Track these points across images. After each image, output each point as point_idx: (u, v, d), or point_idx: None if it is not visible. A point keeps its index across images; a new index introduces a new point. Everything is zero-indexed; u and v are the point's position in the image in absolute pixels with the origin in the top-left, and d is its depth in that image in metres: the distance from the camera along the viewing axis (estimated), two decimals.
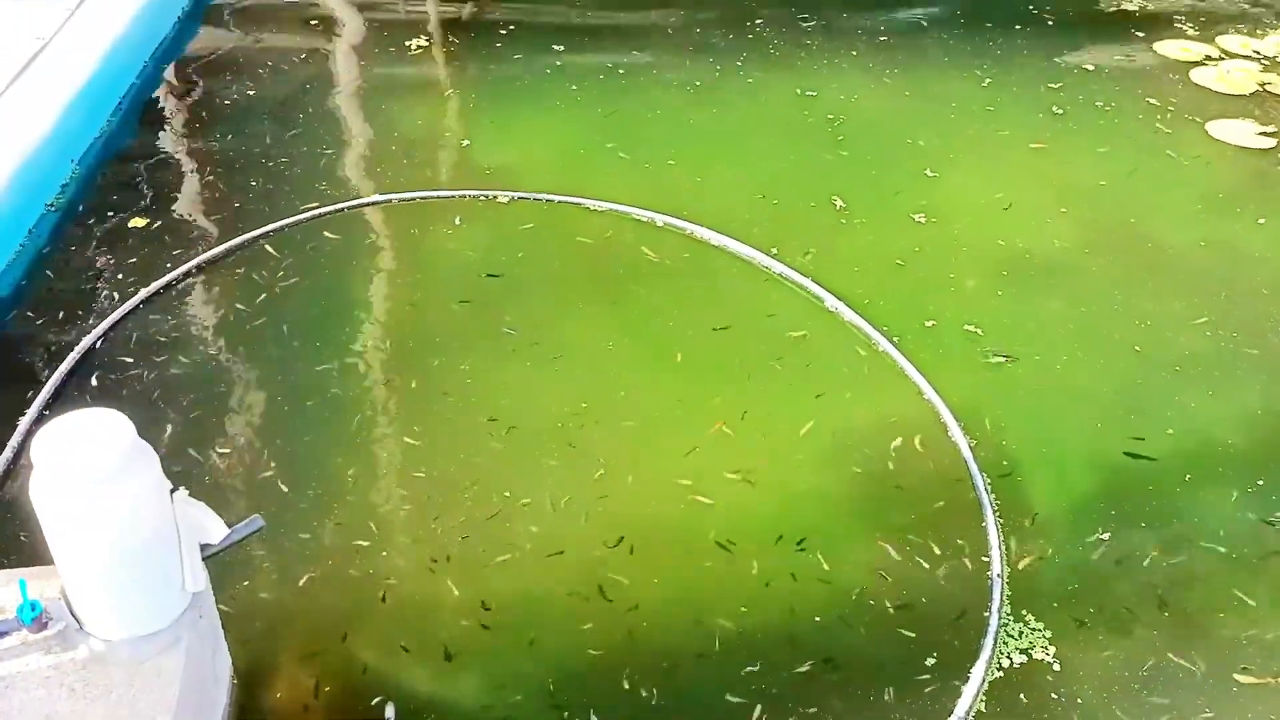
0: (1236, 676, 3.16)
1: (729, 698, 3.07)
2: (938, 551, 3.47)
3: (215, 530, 2.53)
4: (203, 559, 2.57)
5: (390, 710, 2.95)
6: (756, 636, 3.22)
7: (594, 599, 3.29)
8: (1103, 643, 3.23)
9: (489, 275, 4.44)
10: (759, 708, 3.04)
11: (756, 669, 3.14)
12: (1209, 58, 6.14)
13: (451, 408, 3.87)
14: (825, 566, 3.41)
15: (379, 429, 3.79)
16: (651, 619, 3.25)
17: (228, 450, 3.68)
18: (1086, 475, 3.73)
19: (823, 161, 5.27)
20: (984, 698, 3.08)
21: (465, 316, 4.26)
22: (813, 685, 3.12)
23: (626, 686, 3.08)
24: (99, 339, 4.04)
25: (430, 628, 3.20)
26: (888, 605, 3.31)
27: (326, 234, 4.65)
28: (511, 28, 6.31)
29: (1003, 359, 4.15)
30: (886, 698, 3.08)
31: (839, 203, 4.92)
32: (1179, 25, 6.53)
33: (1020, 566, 3.42)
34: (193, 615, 2.56)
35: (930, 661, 3.17)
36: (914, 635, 3.24)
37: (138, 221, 4.66)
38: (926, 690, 3.10)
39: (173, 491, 2.45)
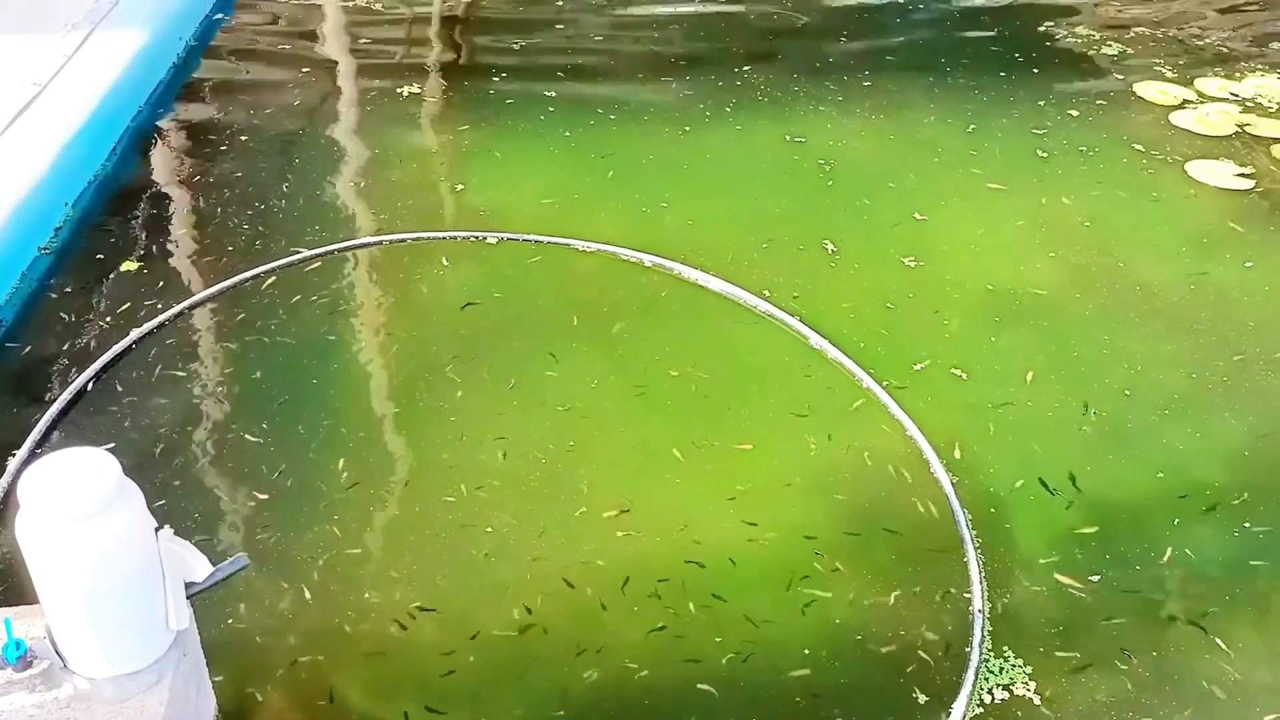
0: None
1: None
2: (919, 587, 3.48)
3: (199, 568, 2.54)
4: (187, 597, 2.57)
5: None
6: (736, 672, 3.22)
7: (576, 641, 3.30)
8: (1085, 682, 3.24)
9: (467, 306, 4.49)
10: None
11: (736, 703, 3.14)
12: (1187, 101, 6.24)
13: (434, 448, 3.89)
14: (806, 603, 3.42)
15: (365, 469, 3.81)
16: (634, 656, 3.25)
17: (216, 489, 3.70)
18: (1071, 516, 3.75)
19: (813, 205, 5.34)
20: None
21: (450, 356, 4.28)
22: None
23: None
24: (90, 381, 4.07)
25: (413, 669, 3.20)
26: (869, 640, 3.32)
27: (316, 276, 4.69)
28: (505, 74, 6.41)
29: (990, 403, 4.18)
30: None
31: (830, 246, 4.98)
32: (1158, 69, 6.63)
33: (1001, 603, 3.43)
34: (176, 653, 2.56)
35: (910, 697, 3.18)
36: (894, 670, 3.25)
37: (130, 265, 4.70)
38: None
39: (157, 530, 2.46)
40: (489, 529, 3.60)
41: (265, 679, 3.15)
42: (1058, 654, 3.30)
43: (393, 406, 4.09)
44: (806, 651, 3.29)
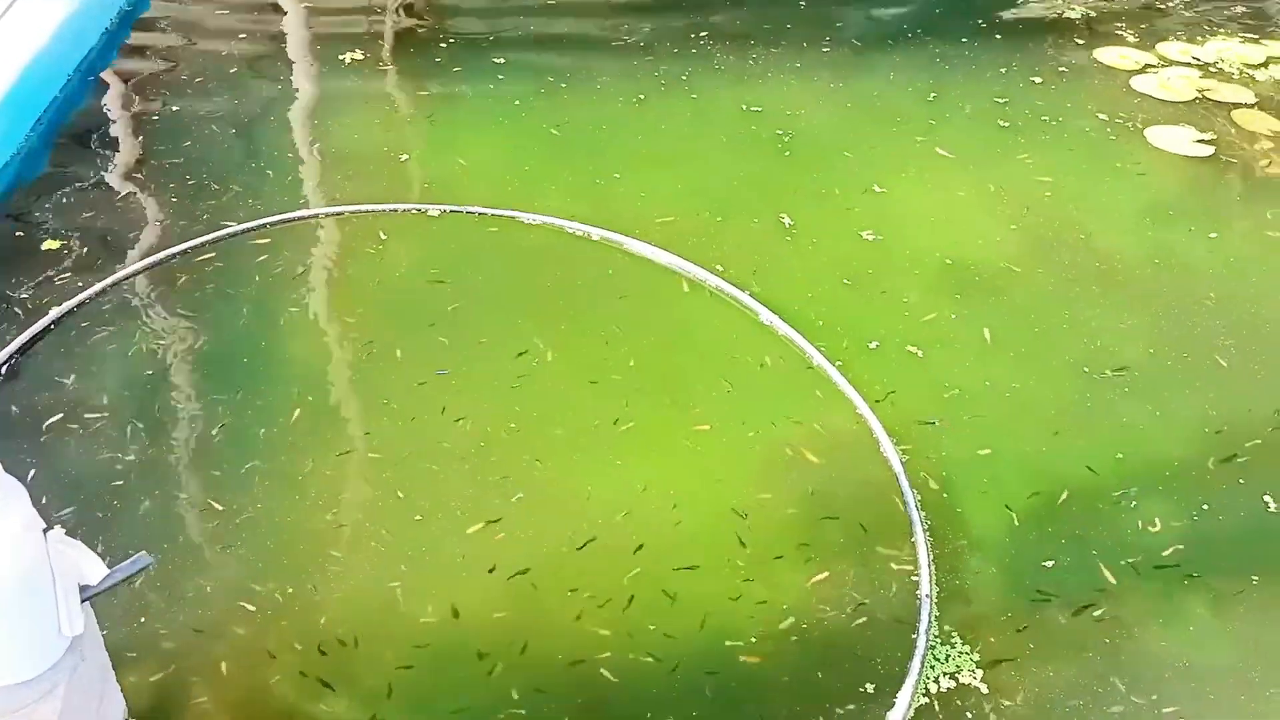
0: (1165, 710, 3.08)
1: None
2: (865, 571, 3.38)
3: (94, 570, 2.40)
4: (84, 600, 2.42)
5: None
6: (679, 662, 3.12)
7: (518, 629, 3.19)
8: (1034, 670, 3.15)
9: (404, 282, 4.32)
10: None
11: (677, 694, 3.05)
12: (1149, 65, 6.11)
13: (368, 430, 3.76)
14: (749, 587, 3.31)
15: (295, 451, 3.66)
16: (574, 641, 3.15)
17: (132, 475, 3.54)
18: (1025, 497, 3.65)
19: (770, 177, 5.18)
20: None
21: (385, 335, 4.13)
22: (731, 710, 3.02)
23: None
24: (5, 364, 3.88)
25: (342, 660, 3.08)
26: (812, 627, 3.22)
27: (247, 251, 4.51)
28: (452, 40, 6.20)
29: (945, 381, 4.06)
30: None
31: (786, 219, 4.83)
32: (1120, 33, 6.49)
33: (950, 588, 3.33)
34: (72, 660, 2.42)
35: (854, 686, 3.08)
36: (837, 658, 3.15)
37: (51, 244, 4.50)
38: (849, 715, 3.00)
39: (46, 530, 2.31)
40: (418, 517, 3.47)
41: (184, 680, 3.01)
42: (1007, 640, 3.21)
43: (327, 387, 3.93)
44: (753, 639, 3.19)
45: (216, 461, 3.61)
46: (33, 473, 3.50)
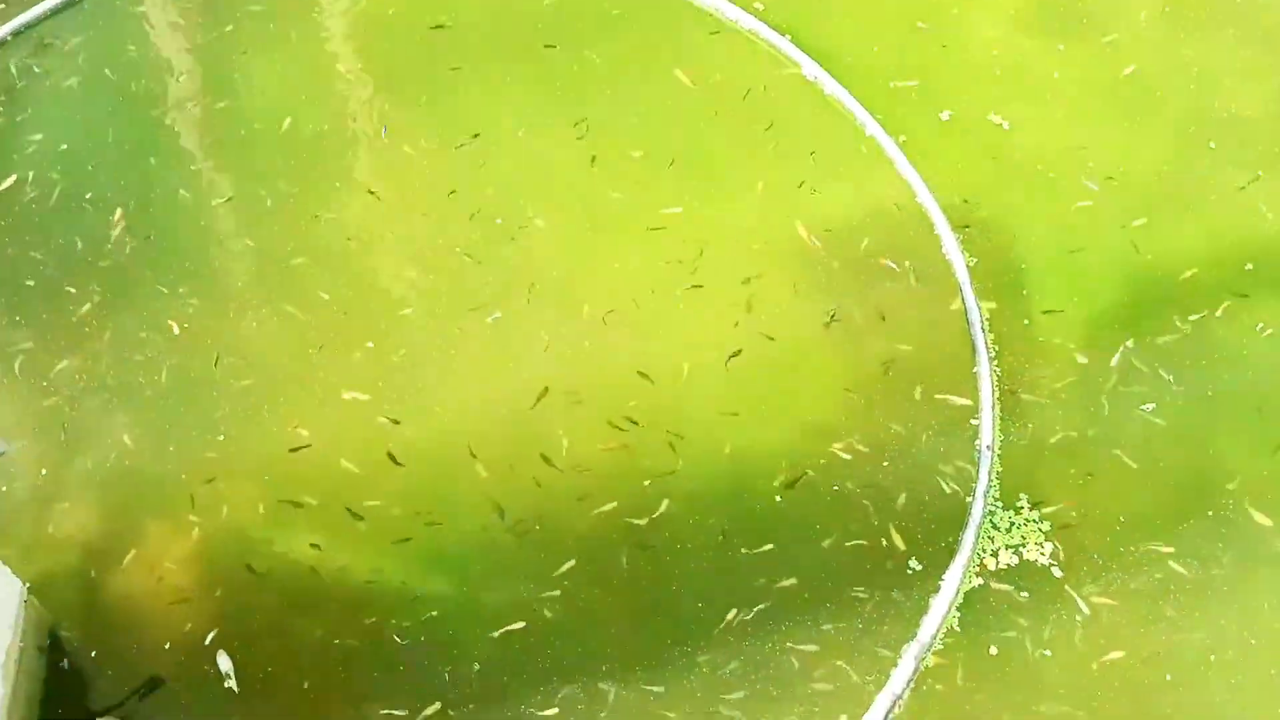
0: None
1: None
2: (916, 407, 2.80)
3: None
4: None
5: (225, 662, 2.44)
6: (684, 523, 2.68)
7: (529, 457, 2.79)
8: (1123, 541, 2.60)
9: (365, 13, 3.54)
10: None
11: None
12: None
13: (333, 204, 3.19)
14: (779, 420, 2.79)
15: (246, 241, 3.14)
16: (588, 464, 2.76)
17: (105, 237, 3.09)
18: (1126, 322, 2.95)
19: None
20: (958, 613, 2.53)
21: (343, 90, 3.43)
22: (758, 586, 2.60)
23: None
24: None
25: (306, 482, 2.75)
26: (849, 481, 2.70)
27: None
28: None
29: (1038, 162, 3.27)
30: (835, 615, 2.54)
31: None
32: None
33: (1018, 435, 2.75)
34: None
35: (892, 565, 2.59)
36: (873, 524, 2.64)
37: None
38: (887, 603, 2.54)
39: None
40: (407, 309, 3.00)
41: (93, 540, 2.66)
42: (1087, 503, 2.64)
43: (292, 165, 3.29)
44: (778, 499, 2.69)
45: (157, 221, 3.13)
46: None
